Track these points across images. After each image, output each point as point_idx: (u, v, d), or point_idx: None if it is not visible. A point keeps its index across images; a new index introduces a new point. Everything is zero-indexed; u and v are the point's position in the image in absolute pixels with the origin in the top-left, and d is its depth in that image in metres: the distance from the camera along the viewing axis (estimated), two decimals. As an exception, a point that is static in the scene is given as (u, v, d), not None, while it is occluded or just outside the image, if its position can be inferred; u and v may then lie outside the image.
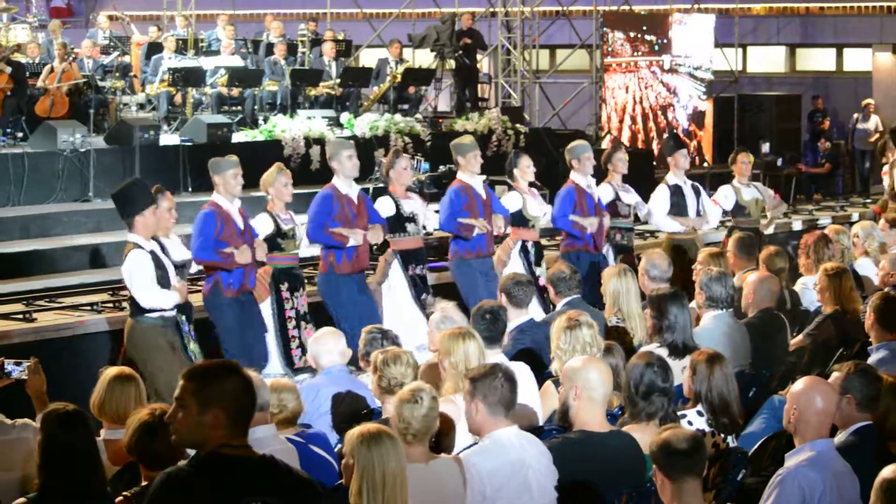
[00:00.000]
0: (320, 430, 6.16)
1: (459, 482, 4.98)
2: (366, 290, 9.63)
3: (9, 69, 14.34)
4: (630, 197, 11.17)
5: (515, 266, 10.19)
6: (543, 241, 11.39)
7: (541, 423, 6.14)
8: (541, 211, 10.58)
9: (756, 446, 5.87)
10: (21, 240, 12.13)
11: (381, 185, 13.57)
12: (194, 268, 8.74)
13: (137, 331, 8.02)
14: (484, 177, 10.49)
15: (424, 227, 10.34)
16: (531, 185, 10.68)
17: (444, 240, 11.13)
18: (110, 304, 10.18)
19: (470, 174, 10.25)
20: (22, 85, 14.58)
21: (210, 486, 3.62)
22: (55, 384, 8.26)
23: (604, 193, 10.97)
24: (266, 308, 9.10)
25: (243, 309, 8.84)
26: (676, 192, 11.20)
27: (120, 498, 4.68)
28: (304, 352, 9.02)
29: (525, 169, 10.50)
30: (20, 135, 14.29)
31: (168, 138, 14.90)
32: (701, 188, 11.60)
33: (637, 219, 11.55)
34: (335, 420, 6.41)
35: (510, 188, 10.72)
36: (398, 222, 9.82)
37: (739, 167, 11.60)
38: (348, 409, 6.39)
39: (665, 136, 18.57)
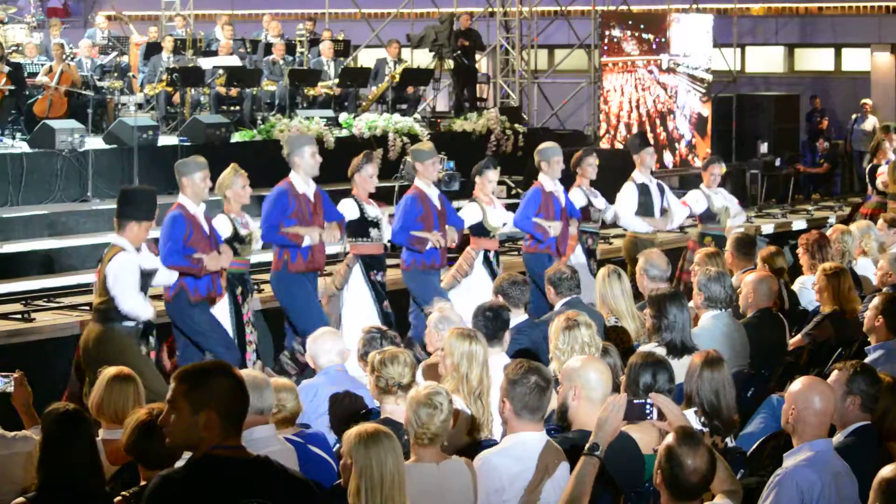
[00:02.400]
0: (319, 430, 6.16)
1: (469, 485, 4.97)
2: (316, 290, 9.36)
3: (7, 69, 14.33)
4: (599, 201, 11.08)
5: (479, 276, 10.03)
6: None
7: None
8: (502, 220, 10.32)
9: (754, 446, 5.87)
10: (19, 240, 12.10)
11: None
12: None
13: (113, 336, 7.71)
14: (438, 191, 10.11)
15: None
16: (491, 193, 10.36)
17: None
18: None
19: (426, 182, 9.89)
20: (20, 85, 14.57)
21: (205, 488, 3.61)
22: (52, 385, 8.28)
23: (576, 199, 10.87)
24: (224, 313, 8.81)
25: (209, 314, 8.59)
26: (644, 190, 11.17)
27: (118, 498, 4.68)
28: (258, 356, 8.92)
29: (488, 181, 10.23)
30: (19, 135, 14.28)
31: (166, 138, 14.88)
32: (665, 187, 11.54)
33: (604, 224, 11.43)
34: (333, 420, 6.40)
35: (471, 199, 10.36)
36: (362, 226, 9.55)
37: (709, 176, 11.41)
38: (346, 410, 6.38)
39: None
